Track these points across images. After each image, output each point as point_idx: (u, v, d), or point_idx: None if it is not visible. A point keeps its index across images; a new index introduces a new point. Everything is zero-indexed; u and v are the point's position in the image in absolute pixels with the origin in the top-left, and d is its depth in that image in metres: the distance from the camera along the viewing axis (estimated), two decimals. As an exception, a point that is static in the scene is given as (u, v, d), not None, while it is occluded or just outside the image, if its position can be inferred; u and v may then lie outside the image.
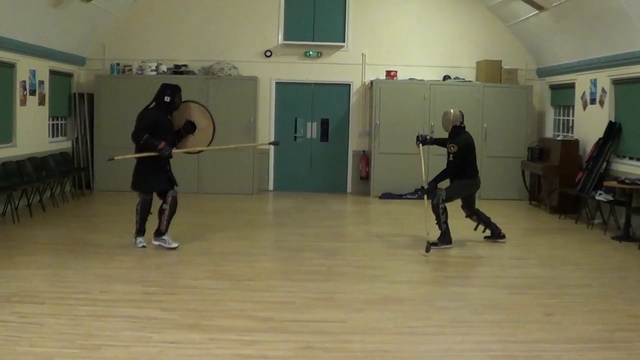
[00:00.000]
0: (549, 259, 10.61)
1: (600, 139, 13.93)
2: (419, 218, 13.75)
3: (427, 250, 10.66)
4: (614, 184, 12.68)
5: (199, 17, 17.59)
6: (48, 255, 10.20)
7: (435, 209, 11.24)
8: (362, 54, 17.75)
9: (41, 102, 14.99)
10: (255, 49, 17.71)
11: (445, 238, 11.22)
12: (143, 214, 10.80)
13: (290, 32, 17.79)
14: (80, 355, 6.10)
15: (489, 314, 7.71)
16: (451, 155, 11.28)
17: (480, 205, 11.96)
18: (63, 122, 16.82)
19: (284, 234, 12.61)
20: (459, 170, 11.31)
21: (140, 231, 10.77)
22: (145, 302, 7.83)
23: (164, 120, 10.64)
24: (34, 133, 14.63)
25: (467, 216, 11.81)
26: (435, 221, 11.30)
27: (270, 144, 11.67)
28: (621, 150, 13.63)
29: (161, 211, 10.72)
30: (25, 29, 13.48)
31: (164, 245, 10.61)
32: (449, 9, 17.73)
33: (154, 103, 10.70)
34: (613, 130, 13.71)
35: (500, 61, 17.22)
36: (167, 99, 10.59)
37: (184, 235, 11.75)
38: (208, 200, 15.91)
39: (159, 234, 10.70)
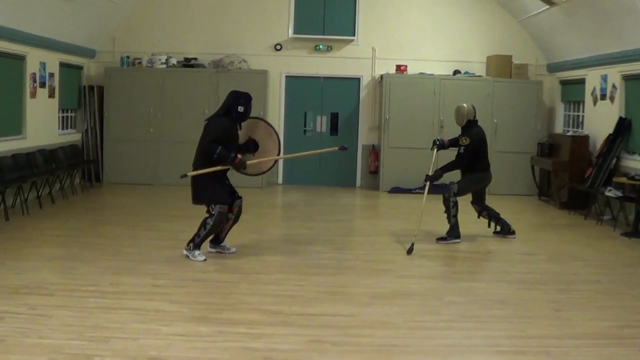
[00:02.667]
0: (558, 255, 10.59)
1: (610, 134, 13.90)
2: (428, 212, 13.75)
3: (409, 252, 10.37)
4: (623, 180, 12.64)
5: (209, 10, 17.59)
6: (57, 247, 10.22)
7: (446, 202, 11.26)
8: (372, 48, 17.74)
9: (51, 95, 15.02)
10: (265, 43, 17.71)
11: (454, 232, 11.22)
12: (216, 228, 9.77)
13: (301, 26, 17.78)
14: (89, 347, 6.11)
15: (498, 309, 7.70)
16: (462, 148, 11.29)
17: (489, 200, 11.93)
18: (73, 114, 16.85)
19: (293, 228, 12.61)
20: (471, 164, 11.33)
21: (198, 245, 9.67)
22: (154, 295, 7.83)
23: (234, 131, 9.79)
24: (43, 125, 14.66)
25: (479, 215, 11.78)
26: (445, 215, 11.31)
27: (339, 149, 11.20)
28: (631, 146, 13.58)
29: (226, 220, 9.86)
30: (35, 22, 13.50)
31: (224, 252, 10.04)
32: (460, 3, 17.69)
33: (223, 111, 9.77)
34: (623, 126, 13.66)
35: (511, 56, 17.18)
36: (240, 108, 9.73)
37: (193, 228, 11.74)
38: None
39: (217, 242, 10.09)
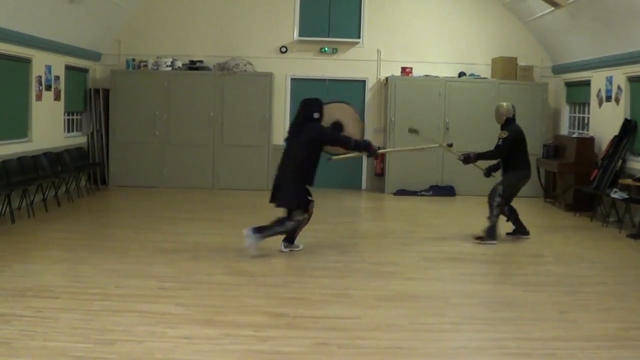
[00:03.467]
0: (564, 257, 10.57)
1: (615, 136, 13.88)
2: (433, 215, 13.79)
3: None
4: (629, 181, 12.64)
5: (214, 13, 17.60)
6: (63, 250, 10.24)
7: (490, 201, 11.47)
8: (378, 50, 17.73)
9: (57, 97, 15.05)
10: (270, 45, 17.71)
11: (491, 233, 11.34)
12: (291, 231, 10.38)
13: (306, 28, 17.78)
14: (95, 350, 6.11)
15: (504, 312, 7.69)
16: (500, 140, 11.49)
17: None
18: (78, 117, 16.88)
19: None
20: (510, 159, 11.55)
21: (264, 237, 10.13)
22: (160, 298, 7.84)
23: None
24: (49, 128, 14.68)
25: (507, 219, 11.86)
26: (488, 214, 11.50)
27: (447, 145, 11.82)
28: (637, 148, 13.56)
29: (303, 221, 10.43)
30: (41, 25, 13.52)
31: (294, 249, 10.55)
32: (465, 5, 17.68)
33: (301, 120, 10.29)
34: (629, 128, 13.65)
35: (516, 58, 17.17)
36: (316, 115, 10.23)
37: (200, 231, 11.79)
38: (223, 196, 15.94)
39: (291, 240, 10.54)
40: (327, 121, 10.54)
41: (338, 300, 7.95)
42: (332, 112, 10.84)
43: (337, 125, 10.81)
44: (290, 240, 10.51)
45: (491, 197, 11.46)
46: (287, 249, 10.46)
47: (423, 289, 8.61)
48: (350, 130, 10.92)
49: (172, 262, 9.49)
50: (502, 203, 11.43)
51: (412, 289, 8.54)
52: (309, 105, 10.30)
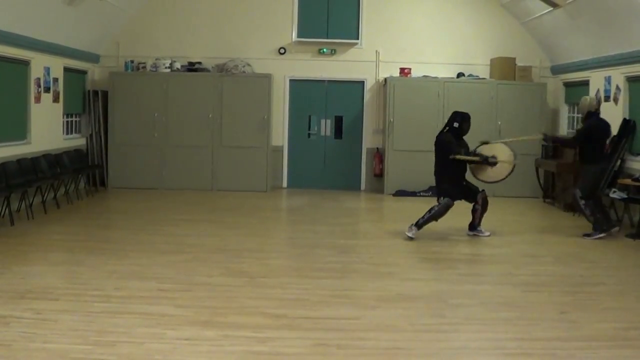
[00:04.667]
0: (563, 257, 10.57)
1: (614, 136, 13.87)
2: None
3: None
4: (628, 181, 12.63)
5: (213, 15, 17.61)
6: (62, 252, 10.24)
7: (577, 208, 12.27)
8: (376, 51, 17.74)
9: (55, 100, 15.05)
10: (269, 46, 17.72)
11: (597, 227, 11.91)
12: (439, 215, 11.76)
13: (304, 30, 17.79)
14: (95, 352, 6.12)
15: (504, 312, 7.69)
16: (579, 131, 12.19)
17: (496, 202, 11.92)
18: (77, 119, 16.88)
19: (297, 231, 12.62)
20: (586, 151, 12.05)
21: (421, 226, 11.76)
22: (160, 299, 7.84)
23: (459, 142, 11.89)
24: (48, 130, 14.68)
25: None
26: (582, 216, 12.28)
27: (544, 138, 13.70)
28: (635, 148, 13.56)
29: (474, 210, 12.02)
30: (39, 27, 13.53)
31: (479, 234, 12.00)
32: (463, 6, 17.69)
33: (447, 128, 11.96)
34: (627, 128, 13.64)
35: (514, 58, 17.17)
36: (455, 124, 11.82)
37: (198, 232, 11.79)
38: (222, 198, 15.94)
39: (473, 227, 12.08)
40: (486, 153, 11.92)
41: (337, 301, 7.95)
42: (494, 150, 12.05)
43: (491, 159, 11.84)
44: (471, 227, 12.11)
45: (576, 205, 12.16)
46: (471, 233, 12.11)
47: (422, 289, 8.61)
48: (498, 169, 12.00)
49: (171, 264, 9.50)
50: (587, 203, 11.92)
51: (411, 290, 8.55)
52: (453, 116, 12.03)
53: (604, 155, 12.25)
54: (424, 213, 11.74)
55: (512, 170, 12.06)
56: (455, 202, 11.64)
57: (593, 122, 12.04)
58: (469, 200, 12.02)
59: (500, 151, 12.05)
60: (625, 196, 12.73)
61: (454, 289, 8.73)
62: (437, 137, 12.00)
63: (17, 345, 6.20)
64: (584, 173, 12.09)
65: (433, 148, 11.88)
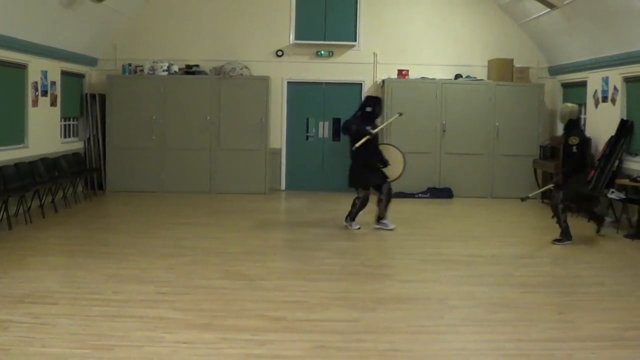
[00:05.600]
0: (561, 258, 10.60)
1: (612, 137, 13.89)
2: (430, 217, 13.80)
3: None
4: (626, 182, 12.65)
5: (210, 17, 17.60)
6: (61, 255, 10.24)
7: (555, 211, 11.72)
8: (374, 53, 17.74)
9: (53, 103, 15.04)
10: (266, 49, 17.72)
11: (566, 235, 11.56)
12: (363, 206, 12.57)
13: (302, 32, 17.79)
14: (93, 356, 6.12)
15: (502, 313, 7.70)
16: (574, 147, 11.46)
17: (494, 203, 11.91)
18: (75, 122, 16.87)
19: (296, 233, 12.60)
20: (578, 164, 11.64)
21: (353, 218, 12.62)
22: (158, 302, 7.84)
23: (372, 125, 12.43)
24: (46, 134, 14.68)
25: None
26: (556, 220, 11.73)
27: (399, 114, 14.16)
28: (633, 148, 13.58)
29: (379, 201, 12.48)
30: (36, 30, 13.52)
31: (384, 227, 12.45)
32: (461, 7, 17.69)
33: (359, 112, 12.64)
34: (625, 128, 13.66)
35: (512, 59, 17.18)
36: (368, 109, 12.48)
37: (197, 235, 11.79)
38: (220, 201, 15.93)
39: (379, 219, 12.55)
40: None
41: (336, 303, 7.95)
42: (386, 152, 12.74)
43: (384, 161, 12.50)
44: (378, 219, 12.62)
45: (555, 208, 11.72)
46: (377, 226, 12.56)
47: (420, 291, 8.62)
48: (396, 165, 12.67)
49: (170, 267, 9.50)
50: (564, 208, 11.64)
51: (409, 291, 8.55)
52: (365, 101, 12.96)
53: (587, 164, 12.10)
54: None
55: (402, 171, 12.86)
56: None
57: (582, 133, 11.95)
58: (377, 189, 12.48)
59: (392, 153, 12.80)
60: (624, 196, 12.75)
61: (452, 290, 8.73)
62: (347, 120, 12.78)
63: (15, 349, 6.20)
64: (577, 180, 11.76)
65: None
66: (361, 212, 12.67)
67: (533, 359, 6.28)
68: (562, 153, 11.76)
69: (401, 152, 13.03)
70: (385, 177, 12.46)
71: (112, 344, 6.39)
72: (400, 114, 13.80)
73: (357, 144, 12.18)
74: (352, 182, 12.66)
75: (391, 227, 12.48)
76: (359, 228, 12.49)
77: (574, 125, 11.68)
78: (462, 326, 7.26)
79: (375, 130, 12.40)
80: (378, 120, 12.94)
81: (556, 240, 11.52)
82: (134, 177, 16.94)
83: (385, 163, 12.49)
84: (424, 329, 7.15)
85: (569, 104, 11.97)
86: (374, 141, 12.42)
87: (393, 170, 12.62)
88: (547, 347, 6.56)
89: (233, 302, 7.92)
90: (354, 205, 12.64)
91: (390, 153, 12.85)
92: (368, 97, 13.00)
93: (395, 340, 6.75)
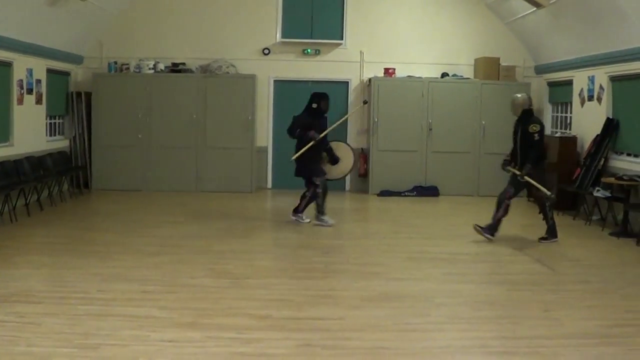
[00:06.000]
0: (547, 255, 10.61)
1: (598, 135, 13.94)
2: (417, 215, 13.83)
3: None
4: (611, 180, 12.68)
5: (196, 15, 17.57)
6: (46, 254, 10.22)
7: (543, 210, 11.59)
8: (360, 52, 17.75)
9: (38, 101, 14.98)
10: (253, 47, 17.70)
11: (553, 232, 11.53)
12: (325, 195, 12.72)
13: (288, 30, 17.77)
14: (79, 355, 6.09)
15: (488, 311, 7.72)
16: (536, 135, 11.29)
17: (480, 202, 11.91)
18: (60, 121, 16.81)
19: (282, 232, 12.59)
20: (543, 151, 11.62)
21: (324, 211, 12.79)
22: (144, 301, 7.82)
23: (314, 122, 12.57)
24: (31, 132, 14.62)
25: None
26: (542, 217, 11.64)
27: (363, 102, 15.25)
28: (619, 147, 13.64)
29: (303, 197, 12.85)
30: (21, 28, 13.46)
31: (299, 220, 12.85)
32: (447, 6, 17.72)
33: (305, 110, 12.80)
34: (611, 127, 13.71)
35: (499, 58, 17.22)
36: (314, 105, 12.66)
37: (183, 233, 11.77)
38: (207, 199, 15.89)
39: (296, 211, 12.94)
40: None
41: (322, 301, 7.95)
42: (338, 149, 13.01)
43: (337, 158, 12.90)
44: (297, 210, 12.97)
45: (542, 207, 11.60)
46: (294, 218, 12.94)
47: (407, 289, 8.63)
48: (346, 159, 13.01)
49: (155, 266, 9.47)
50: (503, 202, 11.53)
51: (396, 289, 8.56)
52: (311, 97, 12.84)
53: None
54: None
55: (352, 168, 13.28)
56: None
57: (537, 119, 11.79)
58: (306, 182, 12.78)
59: (342, 150, 13.07)
60: (609, 195, 12.80)
61: (438, 288, 8.75)
62: (294, 117, 12.90)
63: (0, 349, 6.17)
64: (539, 174, 11.44)
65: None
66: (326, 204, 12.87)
67: (519, 357, 6.29)
68: (519, 144, 11.50)
69: (352, 149, 13.41)
70: (324, 172, 12.73)
71: (97, 343, 6.37)
72: (365, 102, 14.40)
73: (296, 155, 12.58)
74: (299, 171, 12.89)
75: (306, 220, 12.81)
76: (309, 221, 12.84)
77: (529, 114, 11.54)
78: (448, 324, 7.27)
79: (321, 135, 12.48)
80: (326, 119, 13.20)
81: (542, 238, 11.55)
82: (120, 175, 16.89)
83: (336, 160, 12.84)
84: (410, 326, 7.16)
85: (519, 95, 11.75)
86: (323, 140, 12.68)
87: (342, 167, 12.95)
88: (532, 344, 6.57)
89: (219, 301, 7.91)
90: (303, 197, 12.86)
91: (341, 150, 13.08)
92: (314, 94, 12.94)
93: (382, 338, 6.75)
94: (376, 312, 7.62)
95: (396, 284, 8.82)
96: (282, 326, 7.03)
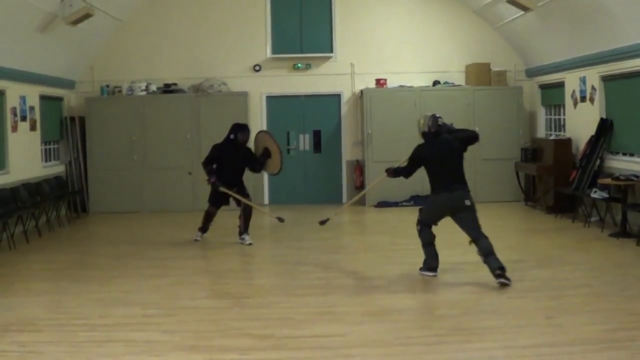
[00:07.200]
0: (547, 260, 10.60)
1: (592, 136, 13.94)
2: (415, 225, 13.81)
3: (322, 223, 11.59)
4: (608, 181, 12.68)
5: (186, 36, 17.59)
6: (46, 281, 10.18)
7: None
8: (351, 64, 17.76)
9: (32, 128, 14.99)
10: (244, 64, 17.72)
11: (426, 263, 10.06)
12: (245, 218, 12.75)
13: (278, 46, 17.80)
14: (81, 383, 6.08)
15: (490, 320, 7.69)
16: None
17: (477, 208, 11.13)
18: (55, 146, 16.80)
19: (280, 248, 12.59)
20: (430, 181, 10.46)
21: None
22: (145, 325, 7.80)
23: (228, 153, 12.60)
24: (26, 159, 14.62)
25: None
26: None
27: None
28: (614, 147, 13.64)
29: (240, 216, 12.79)
30: (13, 55, 13.48)
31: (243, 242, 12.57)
32: (435, 14, 17.75)
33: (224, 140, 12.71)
34: (605, 127, 13.71)
35: (489, 64, 17.24)
36: (231, 136, 12.57)
37: (182, 255, 11.74)
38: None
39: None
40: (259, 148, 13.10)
41: (323, 318, 7.93)
42: (262, 142, 13.09)
43: (266, 152, 12.94)
44: (203, 230, 13.04)
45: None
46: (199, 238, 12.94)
47: (407, 301, 8.63)
48: (272, 148, 12.99)
49: (155, 288, 9.45)
50: (422, 230, 10.32)
51: (396, 303, 8.54)
52: (230, 128, 12.76)
53: (442, 185, 10.20)
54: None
55: (280, 167, 13.07)
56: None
57: (421, 146, 10.50)
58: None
59: (270, 143, 13.04)
60: (607, 195, 12.80)
61: (438, 300, 8.75)
62: (212, 145, 12.93)
63: (3, 380, 6.16)
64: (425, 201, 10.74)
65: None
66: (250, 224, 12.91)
67: (524, 366, 6.28)
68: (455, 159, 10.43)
69: (277, 144, 13.15)
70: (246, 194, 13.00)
71: (99, 370, 6.35)
72: (190, 173, 14.86)
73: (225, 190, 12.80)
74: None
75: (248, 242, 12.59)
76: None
77: (425, 136, 10.36)
78: (450, 336, 7.23)
79: (213, 180, 12.71)
80: (247, 149, 13.10)
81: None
82: (116, 198, 16.89)
83: (266, 154, 12.94)
84: (413, 340, 7.11)
85: (421, 119, 10.45)
86: (254, 166, 13.08)
87: (274, 159, 13.00)
88: (536, 352, 6.55)
89: (220, 322, 7.88)
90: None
91: (260, 141, 13.23)
92: (234, 125, 12.83)
93: (384, 353, 6.73)
94: (378, 326, 7.59)
95: (396, 297, 8.81)
96: (284, 345, 7.01)
